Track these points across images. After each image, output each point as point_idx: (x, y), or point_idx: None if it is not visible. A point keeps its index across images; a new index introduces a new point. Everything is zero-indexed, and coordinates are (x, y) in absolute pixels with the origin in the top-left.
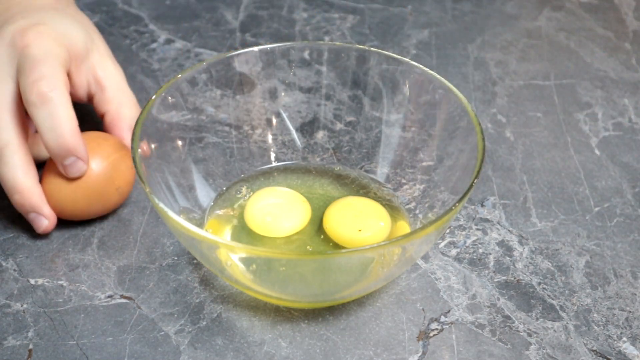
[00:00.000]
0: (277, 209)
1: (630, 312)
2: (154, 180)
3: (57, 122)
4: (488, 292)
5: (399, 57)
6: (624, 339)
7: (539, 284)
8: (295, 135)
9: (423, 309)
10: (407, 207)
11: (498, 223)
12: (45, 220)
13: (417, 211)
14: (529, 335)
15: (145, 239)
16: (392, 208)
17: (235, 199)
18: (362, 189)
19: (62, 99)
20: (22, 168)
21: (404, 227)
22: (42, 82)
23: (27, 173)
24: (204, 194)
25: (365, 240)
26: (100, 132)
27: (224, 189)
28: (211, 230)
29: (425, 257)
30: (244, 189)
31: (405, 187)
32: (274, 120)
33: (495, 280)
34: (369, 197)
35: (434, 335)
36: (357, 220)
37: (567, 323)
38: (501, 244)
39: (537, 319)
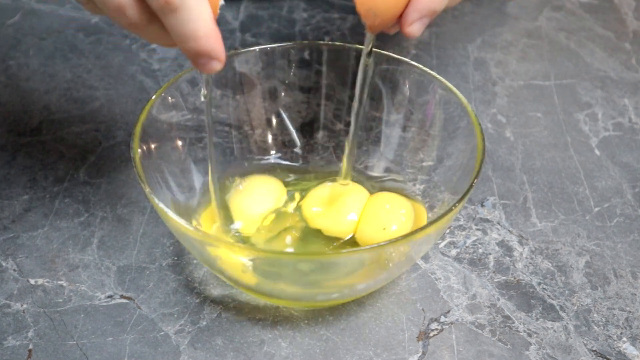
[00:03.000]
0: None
1: (630, 312)
2: (154, 180)
3: (188, 29)
4: (488, 292)
5: (399, 57)
6: (624, 339)
7: (539, 284)
8: (295, 135)
9: (423, 309)
10: None
11: (498, 223)
12: (218, 63)
13: None
14: (529, 335)
15: (145, 239)
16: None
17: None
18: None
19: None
20: (205, 11)
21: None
22: None
23: (209, 15)
24: (204, 193)
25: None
26: None
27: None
28: (203, 226)
29: (425, 257)
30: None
31: (406, 187)
32: (274, 120)
33: (495, 280)
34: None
35: (434, 335)
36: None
37: (567, 323)
38: (501, 244)
39: (537, 319)
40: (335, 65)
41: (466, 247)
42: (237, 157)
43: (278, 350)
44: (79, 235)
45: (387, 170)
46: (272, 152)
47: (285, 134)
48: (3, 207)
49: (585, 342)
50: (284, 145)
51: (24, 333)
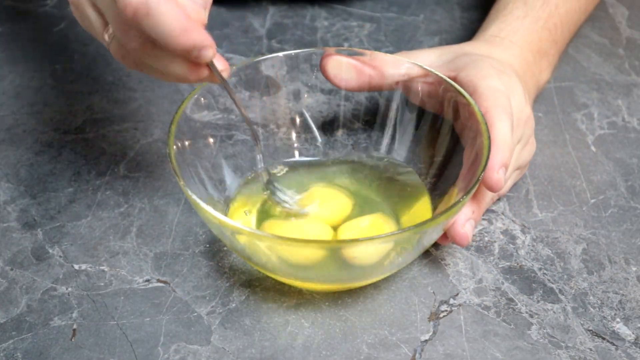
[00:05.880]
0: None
1: (623, 295)
2: (188, 174)
3: (164, 29)
4: (493, 277)
5: (412, 62)
6: (618, 319)
7: (540, 269)
8: (317, 133)
9: (434, 292)
10: None
11: (502, 214)
12: (210, 49)
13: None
14: (531, 316)
15: (179, 227)
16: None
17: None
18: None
19: (160, 5)
20: (173, 10)
21: (425, 202)
22: None
23: (179, 12)
24: (234, 186)
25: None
26: None
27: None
28: (233, 215)
29: (436, 245)
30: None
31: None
32: (298, 120)
33: (500, 266)
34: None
35: (444, 316)
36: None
37: (566, 305)
38: (505, 232)
39: (538, 302)
40: None
41: (473, 235)
42: (264, 153)
43: (301, 330)
44: (119, 224)
45: (402, 165)
46: (296, 148)
47: (308, 131)
48: (50, 199)
49: (582, 322)
50: (307, 142)
51: (69, 314)
